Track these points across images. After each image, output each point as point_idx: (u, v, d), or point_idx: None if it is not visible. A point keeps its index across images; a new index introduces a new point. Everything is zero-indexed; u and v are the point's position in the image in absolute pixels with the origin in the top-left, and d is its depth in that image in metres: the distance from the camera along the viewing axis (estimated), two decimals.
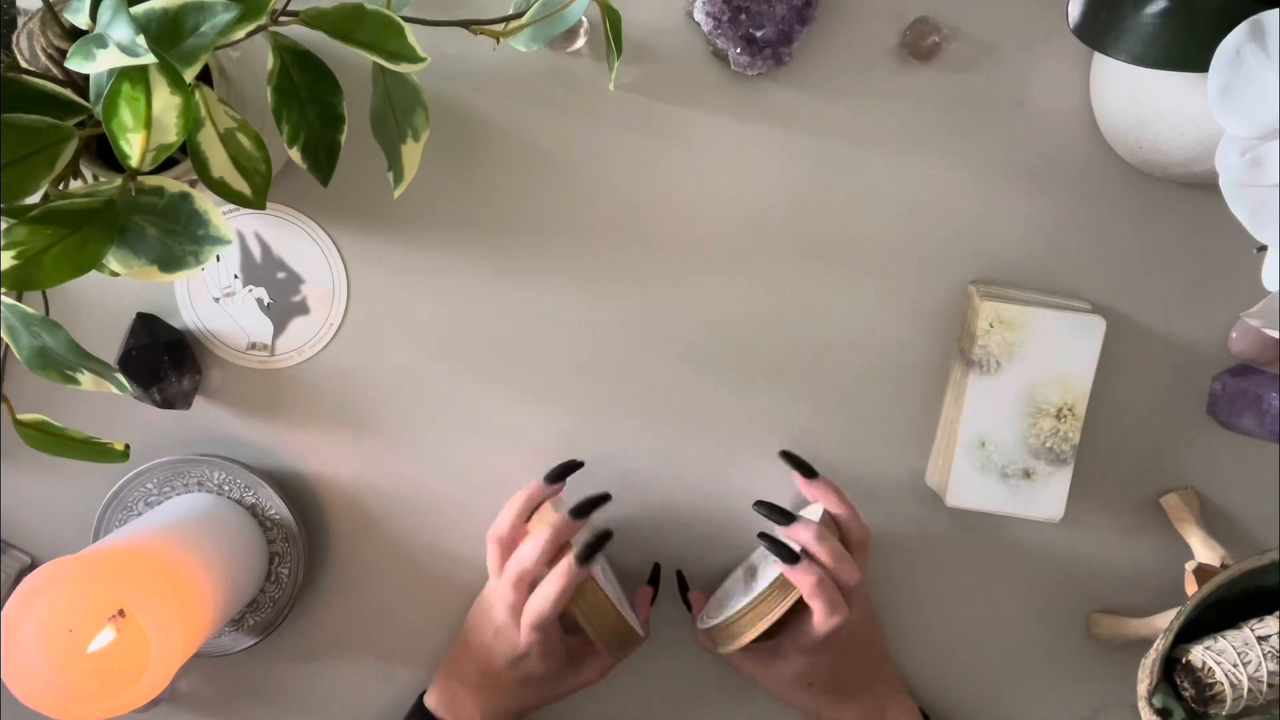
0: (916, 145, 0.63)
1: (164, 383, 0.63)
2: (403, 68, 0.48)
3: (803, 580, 0.56)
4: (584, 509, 0.59)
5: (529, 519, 0.61)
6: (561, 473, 0.62)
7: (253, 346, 0.66)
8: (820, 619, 0.57)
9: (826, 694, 0.63)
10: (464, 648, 0.64)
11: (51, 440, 0.48)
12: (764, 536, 0.58)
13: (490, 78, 0.63)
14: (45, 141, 0.43)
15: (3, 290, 0.42)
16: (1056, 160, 0.63)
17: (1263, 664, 0.54)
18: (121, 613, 0.57)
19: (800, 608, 0.58)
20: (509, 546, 0.60)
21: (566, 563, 0.57)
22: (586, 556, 0.57)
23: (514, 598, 0.59)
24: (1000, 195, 0.63)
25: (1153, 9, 0.50)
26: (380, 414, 0.66)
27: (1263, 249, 0.46)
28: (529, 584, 0.59)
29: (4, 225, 0.41)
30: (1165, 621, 0.60)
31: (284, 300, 0.65)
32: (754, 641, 0.59)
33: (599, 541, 0.57)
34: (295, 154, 0.51)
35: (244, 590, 0.63)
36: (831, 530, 0.59)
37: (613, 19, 0.53)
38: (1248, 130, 0.45)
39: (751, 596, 0.58)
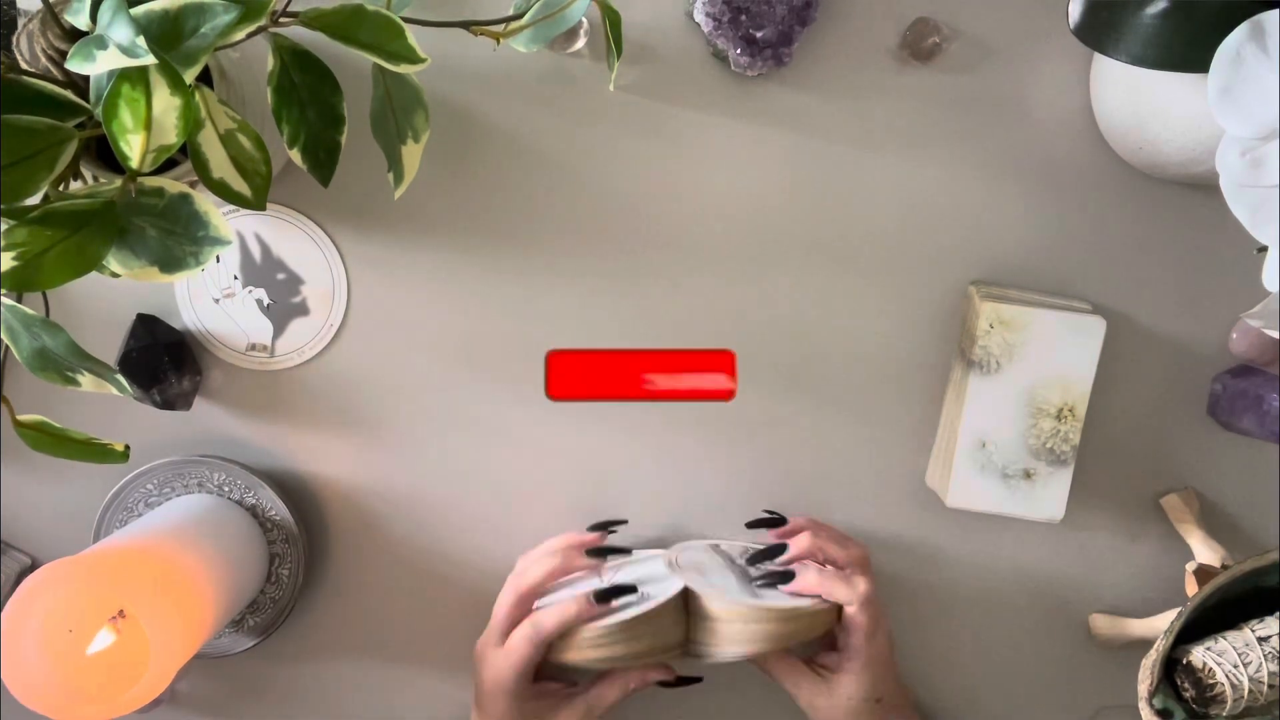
0: (917, 146, 0.63)
1: (164, 384, 0.63)
2: (403, 68, 0.48)
3: (803, 581, 0.58)
4: (601, 551, 0.61)
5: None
6: (602, 541, 0.62)
7: (253, 347, 0.66)
8: (846, 595, 0.58)
9: (895, 710, 0.61)
10: (480, 698, 0.61)
11: (52, 441, 0.48)
12: (756, 563, 0.60)
13: (490, 78, 0.63)
14: (45, 143, 0.43)
15: (3, 291, 0.42)
16: (1056, 160, 0.63)
17: (1263, 665, 0.54)
18: (121, 613, 0.57)
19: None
20: (527, 602, 0.60)
21: (584, 595, 0.57)
22: (605, 598, 0.57)
23: (511, 610, 0.59)
24: (1000, 196, 0.63)
25: (1153, 9, 0.50)
26: (380, 415, 0.66)
27: (1263, 249, 0.46)
28: (530, 601, 0.60)
29: (4, 226, 0.41)
30: (1165, 622, 0.60)
31: (284, 301, 0.65)
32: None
33: (621, 590, 0.58)
34: (295, 154, 0.51)
35: (244, 591, 0.63)
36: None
37: (613, 20, 0.53)
38: (1248, 131, 0.45)
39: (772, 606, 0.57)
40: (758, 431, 0.66)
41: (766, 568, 0.61)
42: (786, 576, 0.59)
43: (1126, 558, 0.67)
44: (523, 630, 0.58)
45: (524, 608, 0.60)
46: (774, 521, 0.63)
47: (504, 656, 0.58)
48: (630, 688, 0.60)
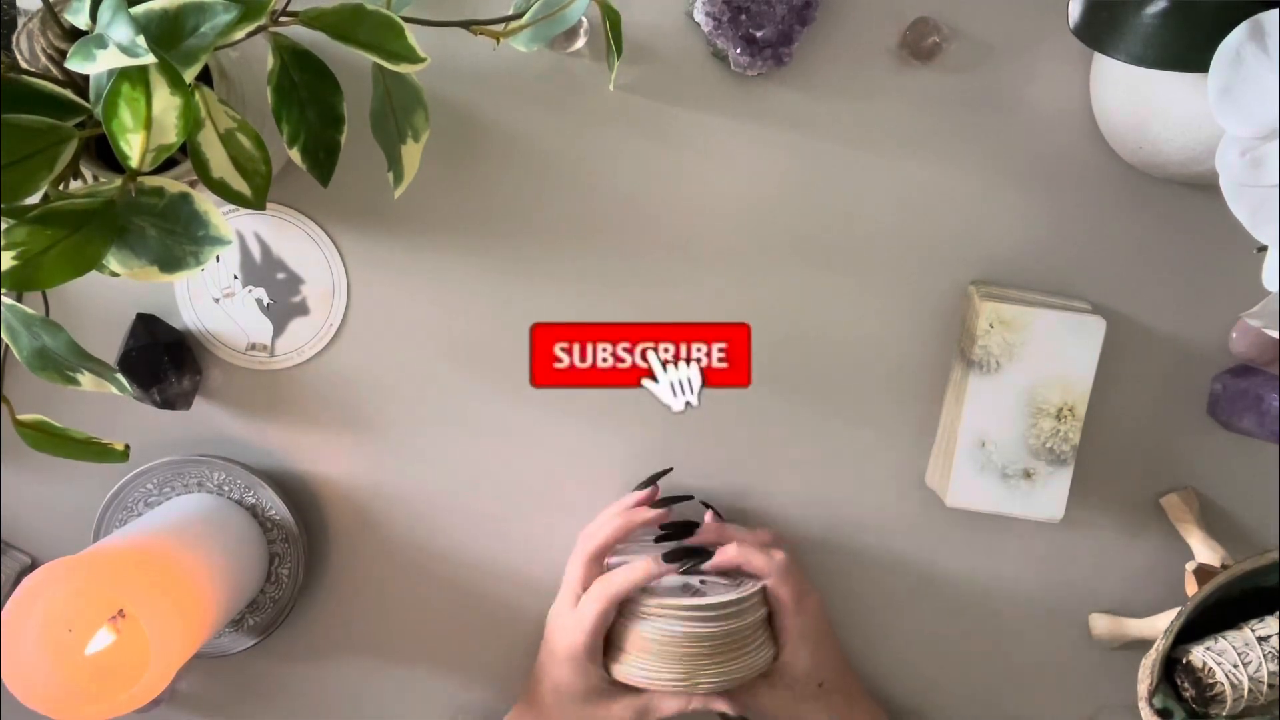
0: (916, 145, 0.63)
1: (164, 383, 0.63)
2: (403, 68, 0.48)
3: (723, 555, 0.60)
4: (664, 501, 0.62)
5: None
6: (654, 485, 0.63)
7: (252, 347, 0.66)
8: (763, 565, 0.59)
9: (839, 692, 0.62)
10: (537, 680, 0.62)
11: (52, 440, 0.48)
12: (672, 555, 0.60)
13: (490, 78, 0.63)
14: (45, 142, 0.43)
15: (3, 291, 0.42)
16: (1056, 160, 0.63)
17: (1263, 664, 0.54)
18: (121, 613, 0.57)
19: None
20: (598, 563, 0.60)
21: (652, 557, 0.59)
22: (675, 558, 0.59)
23: (584, 572, 0.60)
24: (1000, 195, 0.63)
25: (1153, 9, 0.50)
26: (380, 414, 0.66)
27: (1263, 249, 0.46)
28: (600, 562, 0.60)
29: (4, 226, 0.41)
30: (1165, 622, 0.60)
31: (284, 301, 0.65)
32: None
33: (691, 552, 0.59)
34: (295, 154, 0.51)
35: (244, 591, 0.63)
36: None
37: (613, 19, 0.53)
38: (1248, 130, 0.45)
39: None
40: (757, 431, 0.66)
41: (687, 543, 0.62)
42: (706, 555, 0.60)
43: (1126, 558, 0.67)
44: (594, 589, 0.58)
45: (595, 569, 0.60)
46: (691, 538, 0.63)
47: (577, 617, 0.59)
48: (691, 705, 0.60)
